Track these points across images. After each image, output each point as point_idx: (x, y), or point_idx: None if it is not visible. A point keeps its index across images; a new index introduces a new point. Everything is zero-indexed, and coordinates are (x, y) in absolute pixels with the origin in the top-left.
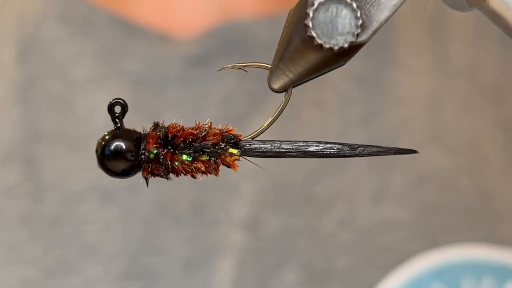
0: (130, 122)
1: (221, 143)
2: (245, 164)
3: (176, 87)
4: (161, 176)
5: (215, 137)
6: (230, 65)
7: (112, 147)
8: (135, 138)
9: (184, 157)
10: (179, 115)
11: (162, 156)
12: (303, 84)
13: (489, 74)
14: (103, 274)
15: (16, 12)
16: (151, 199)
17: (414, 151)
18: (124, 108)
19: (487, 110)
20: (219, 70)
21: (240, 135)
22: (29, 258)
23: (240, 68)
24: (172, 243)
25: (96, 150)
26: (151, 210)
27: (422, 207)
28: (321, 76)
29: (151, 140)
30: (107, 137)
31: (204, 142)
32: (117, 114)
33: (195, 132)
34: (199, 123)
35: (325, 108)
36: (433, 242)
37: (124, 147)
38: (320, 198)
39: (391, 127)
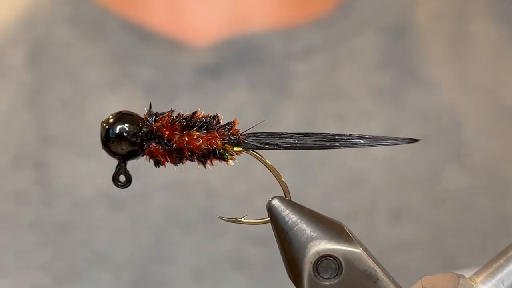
0: None
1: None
2: (259, 177)
3: (188, 95)
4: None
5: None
6: (227, 218)
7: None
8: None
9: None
10: None
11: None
12: (320, 96)
13: (510, 94)
14: (112, 282)
15: (26, 15)
16: (160, 208)
17: (415, 140)
18: (129, 179)
19: (507, 130)
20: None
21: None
22: (38, 264)
23: (237, 222)
24: (181, 252)
25: (100, 133)
26: (161, 219)
27: (441, 228)
28: (339, 88)
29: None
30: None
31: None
32: (121, 184)
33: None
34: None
35: (344, 122)
36: (450, 264)
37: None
38: (336, 215)
39: (410, 144)
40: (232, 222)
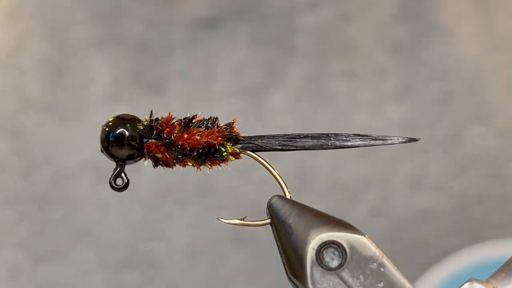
0: (132, 93)
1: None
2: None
3: (183, 52)
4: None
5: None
6: (226, 220)
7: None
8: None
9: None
10: (185, 86)
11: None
12: (329, 52)
13: None
14: (98, 261)
15: None
16: (152, 180)
17: (414, 139)
18: (126, 183)
19: None
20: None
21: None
22: (15, 243)
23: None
24: (174, 229)
25: (101, 137)
26: (152, 192)
27: (465, 197)
28: (350, 43)
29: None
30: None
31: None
32: (118, 187)
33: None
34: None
35: (356, 79)
36: (477, 236)
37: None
38: (349, 184)
39: (430, 104)
40: (231, 224)
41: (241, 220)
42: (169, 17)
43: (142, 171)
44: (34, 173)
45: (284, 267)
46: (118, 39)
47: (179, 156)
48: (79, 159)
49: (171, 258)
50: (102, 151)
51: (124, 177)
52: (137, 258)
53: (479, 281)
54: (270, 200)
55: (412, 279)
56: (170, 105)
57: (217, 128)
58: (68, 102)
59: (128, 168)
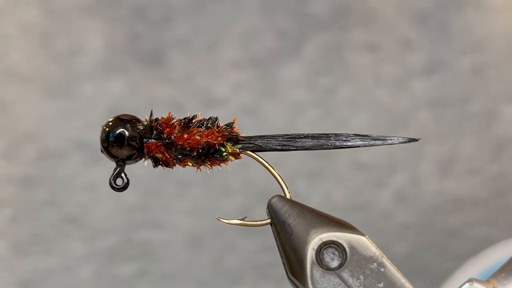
0: (126, 64)
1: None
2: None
3: (185, 18)
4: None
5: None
6: (226, 220)
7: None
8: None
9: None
10: (187, 56)
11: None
12: (349, 22)
13: None
14: (85, 252)
15: None
16: (148, 162)
17: (415, 140)
18: (126, 184)
19: None
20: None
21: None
22: None
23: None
24: (175, 215)
25: (101, 137)
26: (149, 174)
27: (503, 181)
28: (371, 12)
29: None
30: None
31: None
32: (117, 187)
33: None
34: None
35: (379, 52)
36: None
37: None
38: (372, 167)
39: (461, 79)
40: (231, 224)
41: (241, 220)
42: None
43: None
44: (16, 152)
45: (284, 267)
46: (111, 3)
47: (179, 156)
48: (66, 136)
49: (170, 248)
50: (102, 151)
51: (124, 177)
52: (131, 248)
53: (479, 281)
54: (270, 200)
55: (444, 273)
56: (169, 77)
57: (217, 128)
58: (55, 72)
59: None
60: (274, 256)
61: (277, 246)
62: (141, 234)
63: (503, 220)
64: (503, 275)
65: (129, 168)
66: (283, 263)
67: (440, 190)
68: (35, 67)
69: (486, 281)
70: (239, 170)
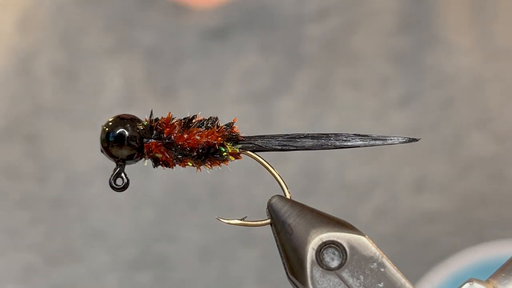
0: (144, 99)
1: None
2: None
3: (193, 60)
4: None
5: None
6: (226, 220)
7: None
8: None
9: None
10: (196, 92)
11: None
12: (335, 61)
13: None
14: (110, 262)
15: None
16: (163, 181)
17: (415, 139)
18: (126, 183)
19: None
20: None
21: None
22: (30, 244)
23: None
24: (186, 230)
25: (101, 137)
26: (164, 193)
27: (467, 198)
28: (355, 52)
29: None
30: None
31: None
32: (117, 187)
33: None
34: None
35: (361, 88)
36: (479, 236)
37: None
38: (356, 185)
39: (432, 110)
40: (231, 224)
41: (241, 220)
42: (179, 26)
43: (153, 172)
44: (48, 177)
45: (284, 267)
46: (130, 47)
47: (179, 156)
48: (91, 162)
49: (182, 258)
50: (102, 151)
51: (124, 177)
52: (149, 258)
53: (479, 281)
54: (270, 200)
55: (416, 278)
56: (181, 109)
57: (217, 128)
58: (81, 107)
59: (139, 169)
60: (272, 263)
61: (277, 246)
62: (157, 246)
63: (469, 231)
64: (503, 275)
65: (146, 188)
66: (283, 263)
67: (414, 205)
68: (64, 102)
69: (486, 281)
70: (243, 190)
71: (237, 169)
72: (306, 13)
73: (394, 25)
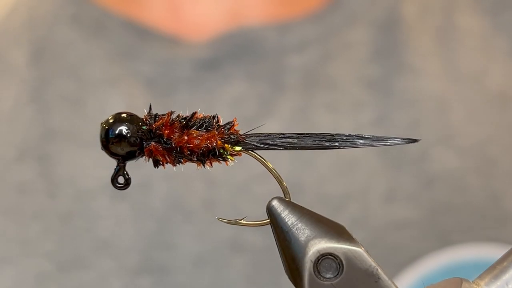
0: None
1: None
2: (258, 165)
3: (187, 89)
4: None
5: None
6: (226, 220)
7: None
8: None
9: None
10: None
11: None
12: (314, 87)
13: (495, 82)
14: (116, 268)
15: (28, 15)
16: (162, 196)
17: (414, 140)
18: (128, 181)
19: (493, 116)
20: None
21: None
22: (42, 252)
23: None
24: (183, 239)
25: (100, 134)
26: (162, 207)
27: (433, 207)
28: (332, 80)
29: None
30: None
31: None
32: (119, 186)
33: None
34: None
35: (337, 112)
36: (444, 241)
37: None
38: (333, 197)
39: (401, 129)
40: (231, 224)
41: (240, 220)
42: (175, 58)
43: (154, 187)
44: (59, 193)
45: (283, 264)
46: (131, 76)
47: (180, 160)
48: (98, 179)
49: (179, 264)
50: (102, 149)
51: (126, 175)
52: (150, 265)
53: (467, 281)
54: (270, 202)
55: None
56: None
57: (217, 131)
58: (88, 130)
59: (140, 185)
60: (262, 269)
61: (277, 246)
62: (157, 253)
63: (435, 236)
64: (489, 276)
65: (147, 203)
66: (282, 262)
67: (385, 213)
68: (72, 126)
69: (473, 282)
70: (237, 203)
71: (229, 186)
72: (287, 46)
73: (367, 54)
